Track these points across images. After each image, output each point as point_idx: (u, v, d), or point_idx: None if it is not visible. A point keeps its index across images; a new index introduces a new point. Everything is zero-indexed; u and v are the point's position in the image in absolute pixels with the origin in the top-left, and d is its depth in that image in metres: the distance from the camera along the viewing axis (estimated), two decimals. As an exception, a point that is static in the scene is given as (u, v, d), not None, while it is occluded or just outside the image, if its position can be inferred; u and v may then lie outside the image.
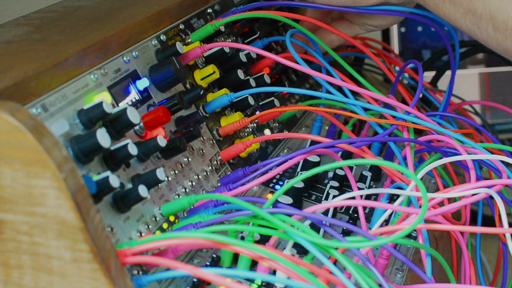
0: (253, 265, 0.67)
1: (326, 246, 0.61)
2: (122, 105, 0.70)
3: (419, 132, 0.97)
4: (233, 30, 0.93)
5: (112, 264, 0.57)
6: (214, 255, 0.68)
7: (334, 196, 0.82)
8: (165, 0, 0.82)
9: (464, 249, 0.75)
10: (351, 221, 0.80)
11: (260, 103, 0.89)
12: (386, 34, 1.38)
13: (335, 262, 0.62)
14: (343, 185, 0.85)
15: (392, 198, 0.84)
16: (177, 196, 0.72)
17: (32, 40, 0.70)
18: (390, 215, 0.79)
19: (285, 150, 0.92)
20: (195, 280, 0.64)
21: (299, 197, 0.81)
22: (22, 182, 0.56)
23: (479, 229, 0.70)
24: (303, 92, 0.81)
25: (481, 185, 0.68)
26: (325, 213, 0.78)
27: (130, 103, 0.72)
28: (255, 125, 0.88)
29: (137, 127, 0.70)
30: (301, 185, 0.80)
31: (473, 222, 0.85)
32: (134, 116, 0.65)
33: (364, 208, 0.80)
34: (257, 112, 0.89)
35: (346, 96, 0.86)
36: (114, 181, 0.61)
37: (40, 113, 0.60)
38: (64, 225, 0.56)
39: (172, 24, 0.82)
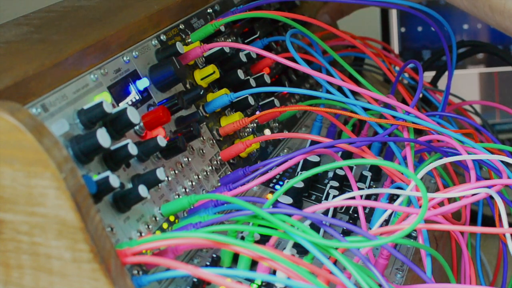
0: (253, 265, 0.67)
1: (326, 246, 0.61)
2: (122, 105, 0.70)
3: (419, 132, 0.97)
4: (233, 30, 0.93)
5: (112, 264, 0.57)
6: (214, 255, 0.68)
7: (334, 196, 0.82)
8: (165, 0, 0.82)
9: (464, 249, 0.75)
10: (351, 221, 0.80)
11: (260, 103, 0.89)
12: (386, 34, 1.38)
13: (335, 262, 0.62)
14: (343, 185, 0.85)
15: (392, 198, 0.84)
16: (177, 196, 0.72)
17: (32, 40, 0.70)
18: (390, 215, 0.79)
19: (285, 150, 0.92)
20: (195, 280, 0.64)
21: (299, 197, 0.81)
22: (22, 182, 0.56)
23: (479, 229, 0.70)
24: (303, 92, 0.81)
25: (481, 185, 0.68)
26: (325, 213, 0.78)
27: (130, 103, 0.72)
28: (255, 125, 0.88)
29: (137, 127, 0.70)
30: (301, 185, 0.80)
31: (473, 222, 0.85)
32: (134, 116, 0.65)
33: (364, 208, 0.80)
34: (257, 112, 0.89)
35: (346, 96, 0.86)
36: (114, 181, 0.61)
37: (40, 113, 0.61)
38: (64, 225, 0.56)
39: (172, 24, 0.82)
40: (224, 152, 0.81)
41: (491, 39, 1.37)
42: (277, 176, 0.85)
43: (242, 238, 0.69)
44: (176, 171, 0.73)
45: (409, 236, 0.81)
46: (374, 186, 0.89)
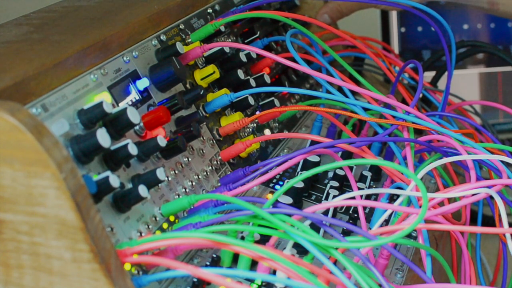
0: (253, 265, 0.67)
1: (326, 246, 0.61)
2: (122, 105, 0.70)
3: (419, 132, 0.97)
4: (233, 30, 0.93)
5: (112, 264, 0.57)
6: (214, 255, 0.68)
7: (334, 196, 0.82)
8: (165, 0, 0.82)
9: (464, 249, 0.75)
10: (351, 221, 0.80)
11: (260, 103, 0.89)
12: (386, 34, 1.38)
13: (335, 262, 0.62)
14: (343, 185, 0.85)
15: (392, 198, 0.84)
16: (177, 196, 0.72)
17: (32, 40, 0.69)
18: (390, 215, 0.79)
19: (285, 150, 0.92)
20: (195, 280, 0.64)
21: (299, 197, 0.81)
22: (22, 182, 0.56)
23: (479, 229, 0.70)
24: (303, 92, 0.81)
25: (481, 185, 0.68)
26: (325, 213, 0.78)
27: (130, 103, 0.72)
28: (255, 125, 0.88)
29: (137, 127, 0.70)
30: (301, 185, 0.80)
31: (473, 222, 0.85)
32: (134, 116, 0.65)
33: (364, 208, 0.80)
34: (257, 112, 0.89)
35: (346, 96, 0.86)
36: (114, 181, 0.60)
37: (40, 113, 0.61)
38: (64, 225, 0.56)
39: (172, 24, 0.82)
40: (224, 152, 0.81)
41: (491, 39, 1.37)
42: (277, 176, 0.85)
43: (242, 238, 0.69)
44: (176, 171, 0.73)
45: (409, 236, 0.81)
46: (374, 186, 0.89)
